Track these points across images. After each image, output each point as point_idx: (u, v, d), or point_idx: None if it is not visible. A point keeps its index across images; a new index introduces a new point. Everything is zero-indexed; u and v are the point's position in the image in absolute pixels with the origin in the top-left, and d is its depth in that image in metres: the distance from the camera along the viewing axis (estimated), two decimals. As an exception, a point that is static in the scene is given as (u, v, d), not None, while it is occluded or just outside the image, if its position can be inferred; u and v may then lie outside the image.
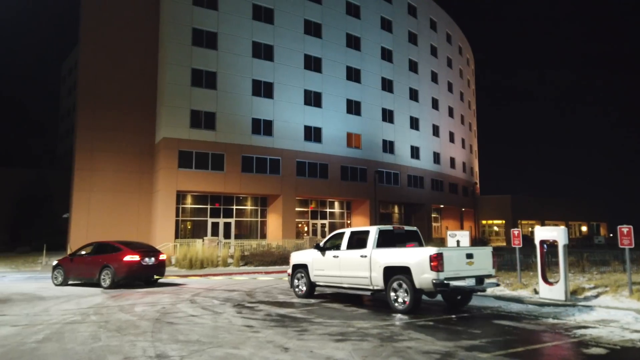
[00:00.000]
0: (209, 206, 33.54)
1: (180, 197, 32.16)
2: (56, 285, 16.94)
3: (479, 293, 11.41)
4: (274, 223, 35.17)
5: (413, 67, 47.16)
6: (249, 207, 35.73)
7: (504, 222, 61.30)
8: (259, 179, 33.70)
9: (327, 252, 11.80)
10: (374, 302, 11.96)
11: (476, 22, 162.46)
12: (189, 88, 31.60)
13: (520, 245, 13.98)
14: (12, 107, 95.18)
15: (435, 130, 50.05)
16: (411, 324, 8.80)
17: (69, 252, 29.77)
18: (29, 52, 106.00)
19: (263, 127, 34.33)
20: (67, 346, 7.04)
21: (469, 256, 9.74)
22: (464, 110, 59.77)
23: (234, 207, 34.67)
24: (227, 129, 32.61)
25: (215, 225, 33.36)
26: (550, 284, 11.24)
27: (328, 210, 40.28)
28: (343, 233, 11.80)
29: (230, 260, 25.22)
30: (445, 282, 9.11)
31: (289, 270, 13.13)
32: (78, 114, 31.84)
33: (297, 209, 36.45)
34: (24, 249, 37.93)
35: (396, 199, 43.97)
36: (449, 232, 17.90)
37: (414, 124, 46.50)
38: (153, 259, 16.25)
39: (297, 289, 12.71)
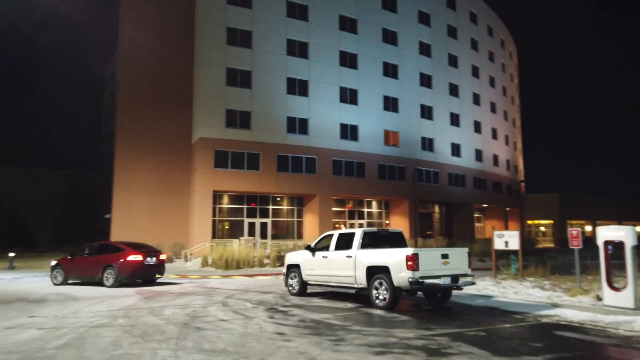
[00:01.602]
0: (245, 206, 33.32)
1: (217, 197, 32.07)
2: (55, 284, 17.05)
3: (529, 301, 11.23)
4: (310, 223, 34.59)
5: (453, 61, 45.54)
6: (285, 207, 35.29)
7: (551, 222, 58.46)
8: (295, 179, 33.19)
9: (317, 253, 12.48)
10: (416, 308, 11.07)
11: (519, 14, 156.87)
12: (224, 87, 31.46)
13: (580, 247, 12.73)
14: (59, 111, 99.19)
15: (477, 127, 48.19)
16: (460, 334, 7.89)
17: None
18: (75, 58, 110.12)
19: (298, 125, 33.80)
20: (85, 354, 6.57)
21: (444, 256, 10.33)
22: (507, 105, 57.40)
23: (270, 207, 34.31)
24: (262, 128, 32.28)
25: (251, 226, 33.10)
26: (617, 289, 10.02)
27: (366, 210, 39.34)
28: (332, 235, 12.43)
29: (266, 261, 24.80)
30: (420, 280, 9.69)
31: (284, 270, 13.78)
32: (117, 115, 32.29)
33: (333, 208, 35.72)
34: (68, 249, 38.90)
35: (436, 198, 42.53)
36: (495, 233, 16.78)
37: (455, 120, 44.89)
38: (154, 258, 16.70)
39: (290, 288, 13.35)
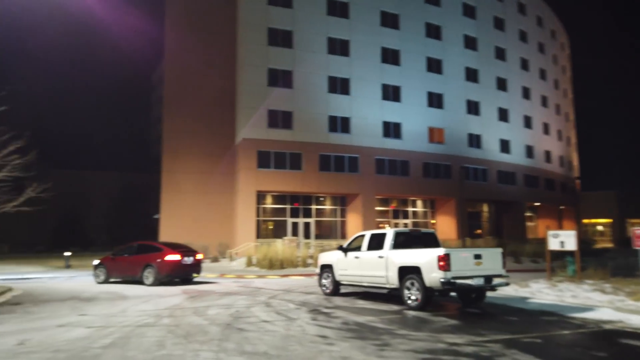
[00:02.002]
0: (288, 206, 33.41)
1: (260, 197, 32.33)
2: (98, 283, 17.65)
3: (588, 305, 10.63)
4: (353, 223, 34.25)
5: (500, 54, 43.88)
6: (328, 206, 35.13)
7: (610, 221, 55.27)
8: (337, 178, 32.96)
9: (350, 253, 12.50)
10: (465, 312, 10.55)
11: (571, 1, 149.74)
12: (266, 88, 31.66)
13: (645, 247, 11.76)
14: (111, 116, 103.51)
15: (527, 122, 46.22)
16: (515, 341, 7.39)
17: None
18: (125, 65, 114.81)
19: (340, 124, 33.54)
20: (129, 354, 6.59)
21: (477, 257, 10.16)
22: (560, 99, 54.75)
23: (313, 206, 34.24)
24: (303, 127, 32.25)
25: (295, 225, 33.16)
26: (690, 294, 9.15)
27: (410, 209, 38.56)
28: (364, 235, 12.42)
29: (309, 261, 24.69)
30: (452, 280, 9.59)
31: (317, 270, 13.89)
32: (164, 118, 33.19)
33: (377, 208, 35.22)
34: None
35: (485, 196, 41.10)
36: (550, 233, 15.90)
37: (503, 115, 43.24)
38: (192, 258, 17.06)
39: (324, 287, 13.40)
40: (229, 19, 33.76)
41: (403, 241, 11.51)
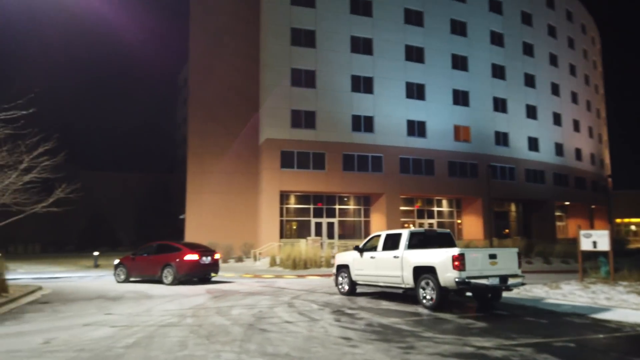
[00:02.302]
0: (311, 206, 33.34)
1: (284, 197, 32.35)
2: (118, 282, 17.99)
3: (624, 307, 10.14)
4: (378, 223, 33.94)
5: (528, 50, 42.81)
6: (351, 206, 34.91)
7: (644, 220, 53.31)
8: (361, 178, 32.71)
9: (365, 253, 12.59)
10: (494, 314, 10.23)
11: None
12: (289, 88, 31.66)
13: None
14: (138, 118, 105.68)
15: (557, 119, 44.97)
16: (546, 345, 7.08)
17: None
18: (152, 68, 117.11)
19: (363, 123, 33.28)
20: (152, 354, 6.58)
21: (492, 257, 10.19)
22: (591, 95, 53.10)
23: (337, 206, 34.07)
24: (327, 127, 32.12)
25: (318, 225, 33.06)
26: None
27: (435, 209, 37.98)
28: (379, 235, 12.51)
29: (333, 261, 24.50)
30: (466, 280, 9.63)
31: (334, 270, 13.99)
32: (189, 119, 33.60)
33: (401, 208, 34.80)
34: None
35: (512, 196, 40.16)
36: (582, 232, 15.37)
37: (531, 112, 42.17)
38: (209, 258, 17.33)
39: (340, 287, 13.51)
40: (252, 20, 33.94)
41: (418, 241, 11.61)
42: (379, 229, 32.90)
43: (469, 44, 38.23)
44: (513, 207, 43.22)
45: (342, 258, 13.76)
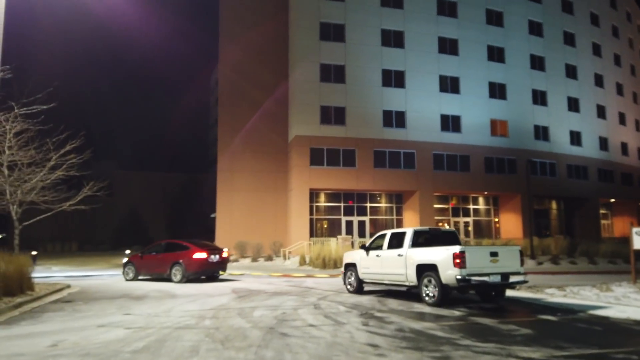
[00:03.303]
0: (342, 204, 32.61)
1: (314, 195, 31.77)
2: (127, 280, 18.12)
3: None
4: (410, 221, 32.88)
5: (569, 39, 40.69)
6: (383, 204, 33.97)
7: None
8: (393, 174, 31.74)
9: (371, 252, 12.68)
10: (539, 320, 9.26)
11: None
12: (318, 84, 31.05)
13: None
14: (173, 119, 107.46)
15: (601, 112, 42.60)
16: (605, 357, 6.15)
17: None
18: (185, 69, 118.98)
19: (395, 119, 32.29)
20: (159, 360, 6.05)
21: (494, 254, 10.32)
22: (637, 86, 50.12)
23: (368, 204, 33.22)
24: (357, 123, 31.33)
25: (349, 224, 32.31)
26: None
27: (471, 206, 36.53)
28: (385, 234, 12.64)
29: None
30: (467, 278, 9.78)
31: (342, 269, 14.14)
32: (219, 117, 33.47)
33: (435, 205, 33.62)
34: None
35: (553, 192, 38.24)
36: (634, 230, 14.25)
37: (573, 105, 40.06)
38: (217, 256, 17.45)
39: (348, 286, 13.64)
40: (281, 15, 33.51)
41: (423, 240, 11.81)
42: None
43: (505, 35, 36.61)
44: (554, 205, 41.20)
45: (349, 257, 13.91)
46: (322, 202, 32.52)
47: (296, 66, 31.26)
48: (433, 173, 32.62)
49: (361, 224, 32.45)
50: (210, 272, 17.64)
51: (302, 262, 24.80)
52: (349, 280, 13.56)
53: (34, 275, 18.50)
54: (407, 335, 7.56)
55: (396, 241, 11.96)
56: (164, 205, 51.51)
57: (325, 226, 32.57)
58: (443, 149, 33.11)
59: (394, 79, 32.61)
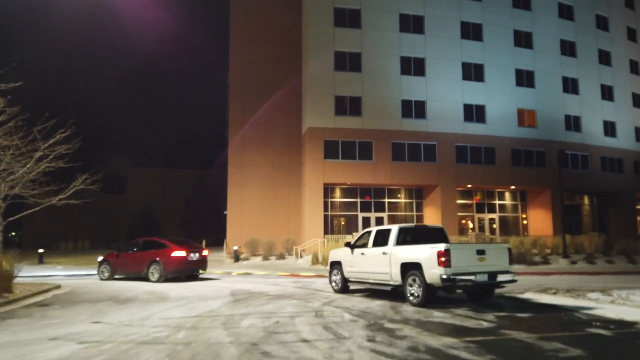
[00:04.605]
0: (358, 200, 30.93)
1: (328, 190, 30.18)
2: (102, 279, 17.43)
3: None
4: (432, 217, 30.99)
5: (602, 23, 38.01)
6: (402, 199, 32.15)
7: None
8: (412, 168, 29.90)
9: (356, 250, 12.26)
10: (589, 334, 7.49)
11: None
12: (333, 73, 29.42)
13: None
14: (188, 117, 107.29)
15: (637, 100, 39.75)
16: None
17: (225, 248, 30.14)
18: (203, 66, 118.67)
19: (414, 109, 30.41)
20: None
21: (480, 252, 9.93)
22: (676, 73, 46.87)
23: (386, 200, 31.44)
24: (374, 114, 29.58)
25: (366, 221, 30.60)
26: None
27: (497, 202, 34.35)
28: (370, 232, 12.18)
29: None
30: (452, 277, 9.39)
31: (328, 267, 13.75)
32: (230, 110, 32.17)
33: (458, 201, 31.62)
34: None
35: (586, 187, 35.72)
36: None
37: (607, 93, 37.40)
38: (197, 254, 16.83)
39: (333, 284, 13.20)
40: (293, 2, 31.96)
41: (409, 237, 11.42)
42: (433, 224, 30.00)
43: (533, 19, 34.28)
44: (586, 200, 38.60)
45: (334, 255, 13.45)
46: (338, 198, 30.91)
47: (309, 55, 29.70)
48: (455, 166, 30.65)
49: (379, 221, 30.69)
50: (189, 271, 16.95)
51: (315, 261, 23.31)
52: (334, 279, 13.13)
53: (24, 274, 17.43)
54: (422, 357, 5.93)
55: (381, 238, 11.48)
56: (179, 202, 50.68)
57: (343, 223, 30.95)
58: (466, 141, 31.08)
59: (414, 66, 30.73)
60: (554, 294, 11.86)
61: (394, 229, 11.28)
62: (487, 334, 7.34)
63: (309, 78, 29.57)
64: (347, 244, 12.78)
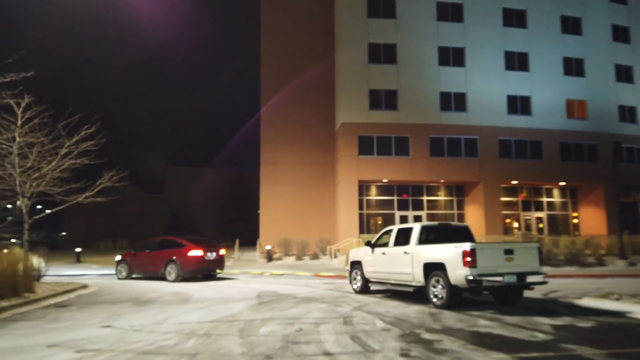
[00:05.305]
0: (395, 197, 29.68)
1: (364, 188, 29.10)
2: (119, 279, 17.33)
3: None
4: (473, 216, 29.38)
5: (659, 6, 35.11)
6: (442, 197, 30.65)
7: None
8: (452, 164, 28.38)
9: (377, 249, 11.87)
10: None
11: None
12: (367, 66, 28.31)
13: None
14: (222, 115, 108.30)
15: (699, 88, 36.54)
16: None
17: (258, 248, 29.60)
18: (238, 64, 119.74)
19: (454, 101, 28.87)
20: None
21: (508, 252, 9.48)
22: None
23: (424, 197, 30.04)
24: (410, 107, 28.25)
25: (403, 219, 29.31)
26: None
27: (545, 199, 32.23)
28: (391, 230, 11.76)
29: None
30: (478, 278, 8.96)
31: (348, 267, 13.36)
32: (261, 106, 31.60)
33: (502, 198, 29.83)
34: (228, 244, 40.13)
35: (642, 182, 33.04)
36: None
37: (666, 81, 34.50)
38: (215, 253, 16.54)
39: (354, 285, 12.84)
40: (326, -3, 31.11)
41: (431, 236, 10.93)
42: (476, 223, 28.50)
43: (582, 3, 31.94)
44: (644, 197, 35.77)
45: (354, 254, 13.15)
46: (373, 196, 29.76)
47: (342, 48, 28.73)
48: (499, 161, 28.89)
49: (417, 219, 29.33)
50: (206, 271, 16.64)
51: (348, 261, 22.28)
52: (355, 278, 12.76)
53: (57, 273, 17.38)
54: (466, 378, 4.87)
55: (403, 238, 11.01)
56: (215, 200, 50.85)
57: (380, 222, 29.79)
58: (510, 134, 29.27)
59: (452, 57, 29.18)
60: (617, 299, 10.48)
61: (416, 227, 10.83)
62: (544, 349, 6.19)
63: (342, 72, 28.60)
64: (368, 243, 12.34)
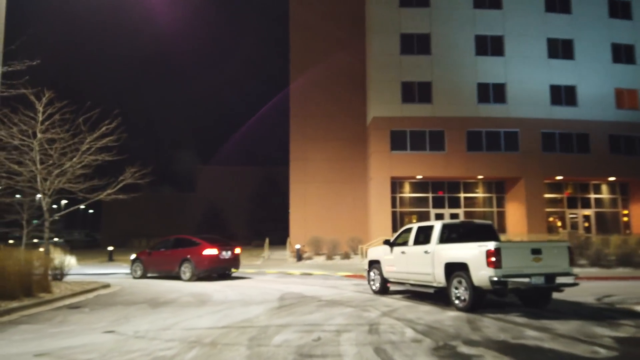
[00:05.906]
0: (430, 195, 28.36)
1: (397, 185, 27.94)
2: (134, 278, 17.10)
3: None
4: (514, 214, 27.71)
5: None
6: (480, 194, 29.09)
7: None
8: (491, 158, 26.83)
9: (396, 248, 11.46)
10: None
11: None
12: (399, 57, 27.14)
13: None
14: (253, 110, 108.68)
15: None
16: None
17: (287, 247, 28.97)
18: (269, 64, 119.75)
19: (492, 92, 27.28)
20: None
21: (536, 252, 8.91)
22: None
23: (461, 194, 28.56)
24: (445, 100, 26.88)
25: (439, 217, 27.91)
26: None
27: (592, 196, 30.09)
28: (411, 228, 11.27)
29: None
30: (502, 279, 8.47)
31: (366, 266, 12.90)
32: (290, 101, 30.91)
33: (546, 195, 28.00)
34: (258, 243, 39.88)
35: (702, 177, 30.42)
36: None
37: None
38: (229, 252, 16.33)
39: (372, 285, 12.43)
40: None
41: (453, 235, 10.53)
42: (517, 221, 26.89)
43: (633, -16, 29.70)
44: None
45: (373, 253, 12.65)
46: (407, 193, 28.55)
47: (373, 39, 27.66)
48: (542, 155, 27.11)
49: (454, 217, 27.93)
50: (221, 270, 16.46)
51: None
52: (373, 278, 12.30)
53: (85, 272, 17.16)
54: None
55: (423, 236, 10.55)
56: (246, 199, 50.69)
57: (414, 221, 28.54)
58: (554, 127, 27.43)
59: (490, 45, 27.60)
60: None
61: (437, 225, 10.35)
62: (611, 370, 5.08)
63: (373, 64, 27.54)
64: (386, 242, 11.91)
